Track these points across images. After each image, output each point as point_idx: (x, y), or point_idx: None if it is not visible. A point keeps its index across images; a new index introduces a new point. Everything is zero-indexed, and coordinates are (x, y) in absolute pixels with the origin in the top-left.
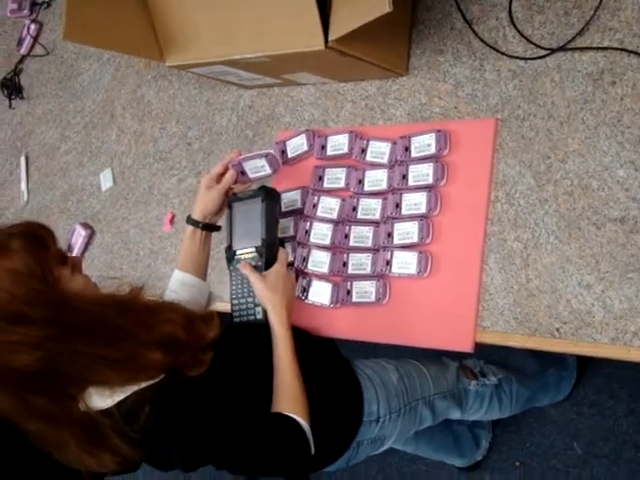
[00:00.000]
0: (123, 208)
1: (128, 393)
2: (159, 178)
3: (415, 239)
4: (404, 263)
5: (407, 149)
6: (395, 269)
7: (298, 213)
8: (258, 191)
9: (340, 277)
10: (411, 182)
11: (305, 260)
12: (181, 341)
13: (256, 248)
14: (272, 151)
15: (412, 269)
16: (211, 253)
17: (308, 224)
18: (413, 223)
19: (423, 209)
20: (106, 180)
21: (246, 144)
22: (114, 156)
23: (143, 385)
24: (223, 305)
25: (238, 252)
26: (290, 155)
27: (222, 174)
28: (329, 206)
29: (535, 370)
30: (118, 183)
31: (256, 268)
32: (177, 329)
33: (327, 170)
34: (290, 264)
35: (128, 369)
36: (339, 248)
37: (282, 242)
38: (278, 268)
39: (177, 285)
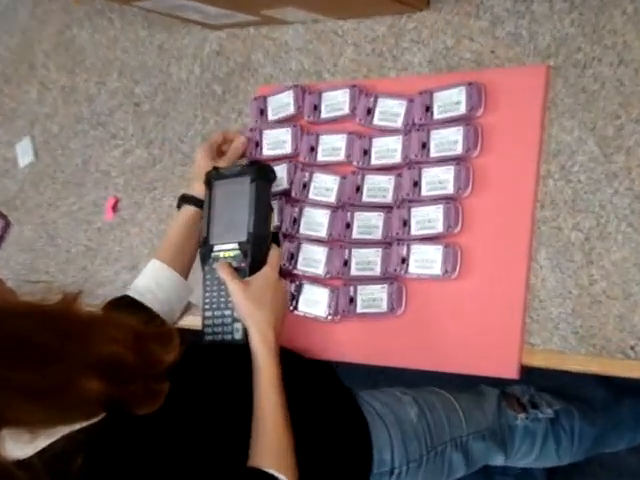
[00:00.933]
0: (48, 190)
1: (55, 437)
2: (97, 150)
3: (440, 228)
4: (425, 261)
5: (428, 109)
6: (413, 268)
7: (283, 195)
8: (247, 168)
9: (340, 280)
10: (434, 152)
11: (294, 258)
12: (128, 366)
13: (240, 244)
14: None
15: (436, 268)
16: None
17: (297, 210)
18: (437, 207)
19: (450, 188)
20: (24, 153)
21: (213, 104)
22: (35, 121)
23: (76, 427)
24: (193, 319)
25: (216, 248)
26: (271, 117)
27: (222, 144)
28: (325, 185)
29: (605, 401)
30: (41, 157)
31: (238, 271)
32: (123, 350)
33: (322, 138)
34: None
35: (56, 403)
36: (339, 241)
37: (276, 238)
38: (267, 273)
39: (151, 281)
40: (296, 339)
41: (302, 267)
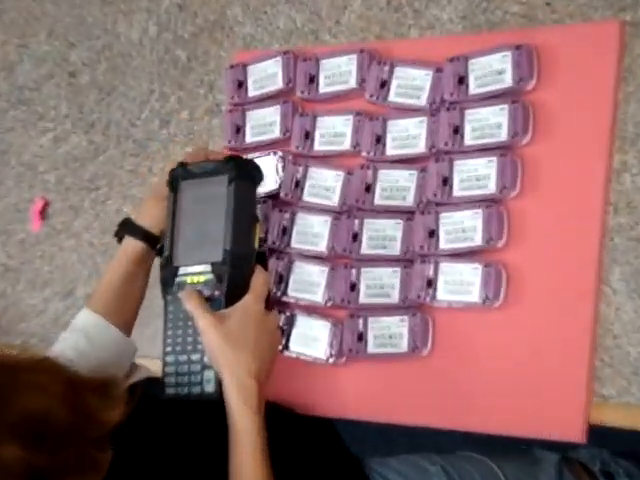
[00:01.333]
0: None
1: None
2: (19, 136)
3: (478, 241)
4: (459, 284)
5: (462, 80)
6: (443, 294)
7: (269, 198)
8: (224, 165)
9: (346, 309)
10: (469, 139)
11: (283, 280)
12: (59, 426)
13: (213, 266)
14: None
15: (473, 294)
16: None
17: (287, 216)
18: (474, 212)
19: (491, 187)
20: None
21: (174, 74)
22: None
23: None
24: (148, 362)
25: (182, 271)
26: (253, 92)
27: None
28: (324, 184)
29: None
30: None
31: (210, 302)
32: (53, 404)
33: (320, 120)
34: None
35: None
36: (343, 258)
37: (262, 258)
38: (249, 304)
39: (81, 339)
40: (287, 389)
41: (294, 292)
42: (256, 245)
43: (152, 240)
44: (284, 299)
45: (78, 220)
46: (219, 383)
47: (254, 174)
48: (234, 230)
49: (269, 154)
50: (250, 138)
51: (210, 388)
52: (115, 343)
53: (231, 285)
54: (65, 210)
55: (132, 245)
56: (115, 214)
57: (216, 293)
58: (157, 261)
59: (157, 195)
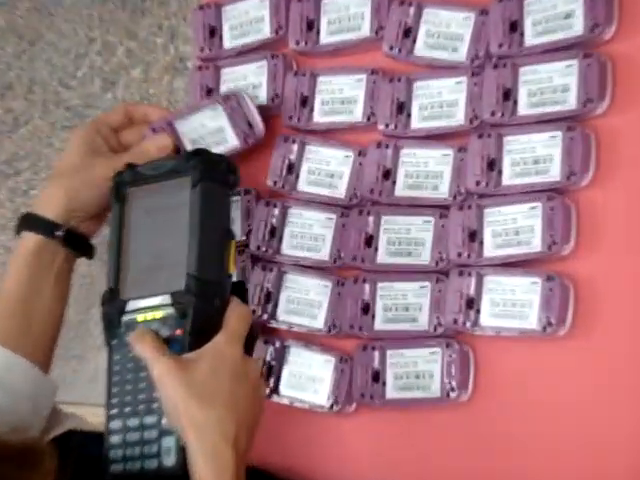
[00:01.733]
0: None
1: None
2: None
3: (536, 245)
4: (510, 304)
5: (514, 26)
6: (488, 318)
7: (252, 188)
8: (185, 162)
9: (356, 339)
10: (525, 107)
11: (271, 299)
12: None
13: (174, 297)
14: (239, 92)
15: (530, 319)
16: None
17: (277, 211)
18: (531, 207)
19: (555, 173)
20: None
21: (122, 18)
22: None
23: None
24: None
25: (131, 306)
26: (230, 43)
27: (121, 129)
28: (327, 167)
29: None
30: None
31: (169, 344)
32: None
33: (322, 81)
34: (254, 336)
35: None
36: (353, 269)
37: (240, 287)
38: (222, 346)
39: None
40: (275, 447)
41: (287, 316)
42: (231, 269)
43: (47, 229)
44: (272, 324)
45: None
46: (182, 452)
47: (226, 174)
48: (200, 249)
49: None
50: None
51: (170, 460)
52: (24, 381)
53: (198, 321)
54: None
55: (25, 241)
56: None
57: (177, 332)
58: (85, 269)
59: (60, 173)
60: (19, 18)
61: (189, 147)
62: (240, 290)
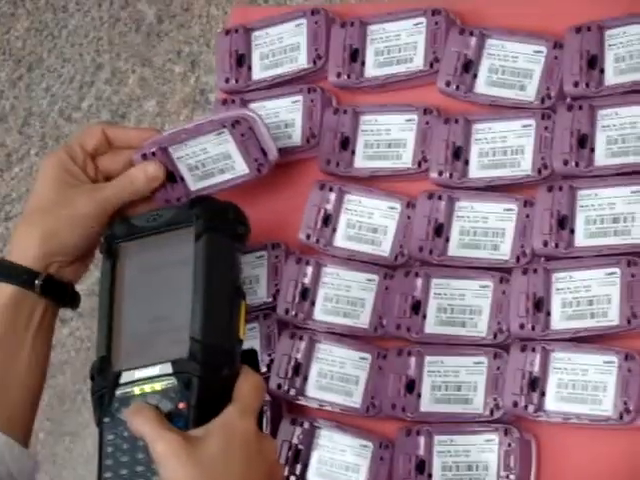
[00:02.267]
0: None
1: None
2: None
3: (614, 318)
4: (581, 386)
5: (593, 61)
6: (555, 402)
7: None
8: (188, 210)
9: (399, 421)
10: (604, 156)
11: (300, 372)
12: None
13: (175, 365)
14: (249, 113)
15: (604, 404)
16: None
17: (310, 270)
18: (608, 273)
19: (637, 233)
20: None
21: (136, 41)
22: None
23: None
24: None
25: (126, 378)
26: (260, 73)
27: (99, 154)
28: (369, 220)
29: None
30: None
31: (171, 419)
32: None
33: (365, 120)
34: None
35: None
36: (397, 340)
37: (252, 356)
38: (232, 421)
39: None
40: None
41: (317, 391)
42: (241, 333)
43: (23, 275)
44: (301, 401)
45: None
46: None
47: (235, 224)
48: (206, 310)
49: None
50: None
51: None
52: (3, 457)
53: (204, 392)
54: None
55: (3, 292)
56: None
57: (181, 406)
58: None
59: (34, 210)
60: (16, 39)
61: (186, 175)
62: (251, 358)
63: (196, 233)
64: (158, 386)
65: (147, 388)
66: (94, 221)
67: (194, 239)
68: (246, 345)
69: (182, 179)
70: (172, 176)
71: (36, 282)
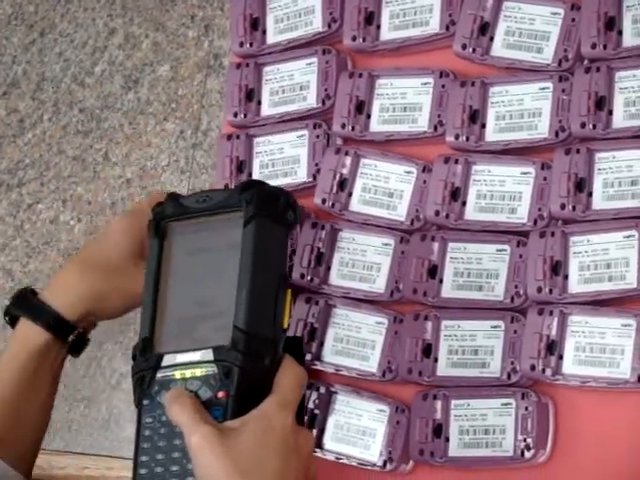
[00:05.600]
0: None
1: None
2: None
3: (632, 281)
4: (599, 349)
5: (611, 23)
6: (572, 365)
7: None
8: (238, 194)
9: (415, 385)
10: (622, 119)
11: (317, 335)
12: None
13: (217, 353)
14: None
15: (622, 367)
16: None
17: (325, 234)
18: (626, 236)
19: None
20: None
21: (149, 4)
22: None
23: None
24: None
25: (167, 361)
26: (273, 38)
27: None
28: (385, 185)
29: None
30: None
31: (209, 408)
32: None
33: (381, 83)
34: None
35: None
36: (413, 304)
37: (296, 344)
38: (271, 413)
39: None
40: None
41: (334, 357)
42: (286, 322)
43: (62, 328)
44: (317, 366)
45: None
46: None
47: (285, 210)
48: (251, 298)
49: (303, 130)
50: (268, 109)
51: None
52: None
53: (244, 382)
54: None
55: (32, 334)
56: (50, 227)
57: (220, 395)
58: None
59: (90, 264)
60: (28, 4)
61: None
62: (295, 347)
63: (245, 218)
64: (199, 372)
65: (188, 373)
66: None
67: (243, 224)
68: None
69: None
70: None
71: (70, 338)
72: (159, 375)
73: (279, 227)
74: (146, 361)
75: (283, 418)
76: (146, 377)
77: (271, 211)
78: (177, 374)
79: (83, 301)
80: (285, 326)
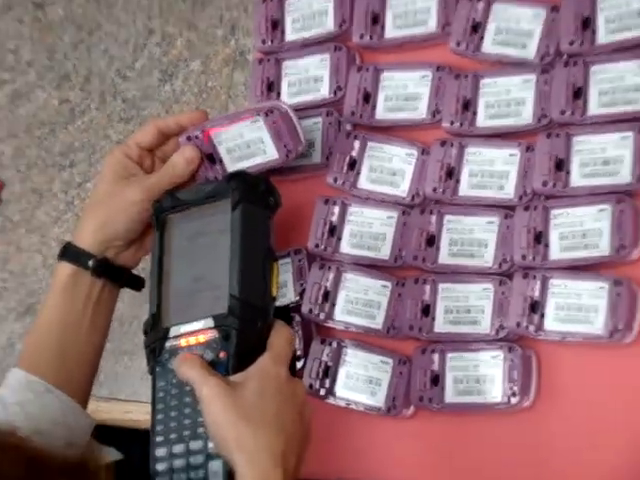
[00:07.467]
0: None
1: None
2: None
3: (604, 249)
4: (576, 308)
5: (586, 23)
6: (553, 323)
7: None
8: (225, 185)
9: (415, 341)
10: (596, 106)
11: (329, 298)
12: None
13: (216, 320)
14: (281, 104)
15: (596, 324)
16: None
17: (337, 209)
18: (599, 209)
19: (625, 174)
20: None
21: (183, 8)
22: None
23: None
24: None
25: (174, 332)
26: (291, 37)
27: (156, 147)
28: (389, 165)
29: None
30: None
31: (213, 366)
32: None
33: (385, 76)
34: (296, 358)
35: None
36: (414, 269)
37: (284, 311)
38: (267, 367)
39: (16, 411)
40: (326, 453)
41: (344, 315)
42: (274, 291)
43: (80, 259)
44: (329, 324)
45: (44, 208)
46: (230, 476)
47: (266, 195)
48: (242, 270)
49: (317, 117)
50: (287, 99)
51: None
52: (62, 415)
53: (241, 343)
54: (26, 194)
55: (60, 270)
56: None
57: (221, 355)
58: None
59: (93, 202)
60: (78, 8)
61: (225, 156)
62: (283, 314)
63: (232, 204)
64: (202, 338)
65: (192, 340)
66: (143, 207)
67: (231, 209)
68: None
69: (221, 161)
70: (212, 158)
71: (89, 263)
72: (167, 345)
73: (262, 209)
74: (155, 334)
75: (278, 370)
76: (156, 348)
77: (254, 196)
78: (183, 342)
79: (93, 229)
80: (274, 294)
